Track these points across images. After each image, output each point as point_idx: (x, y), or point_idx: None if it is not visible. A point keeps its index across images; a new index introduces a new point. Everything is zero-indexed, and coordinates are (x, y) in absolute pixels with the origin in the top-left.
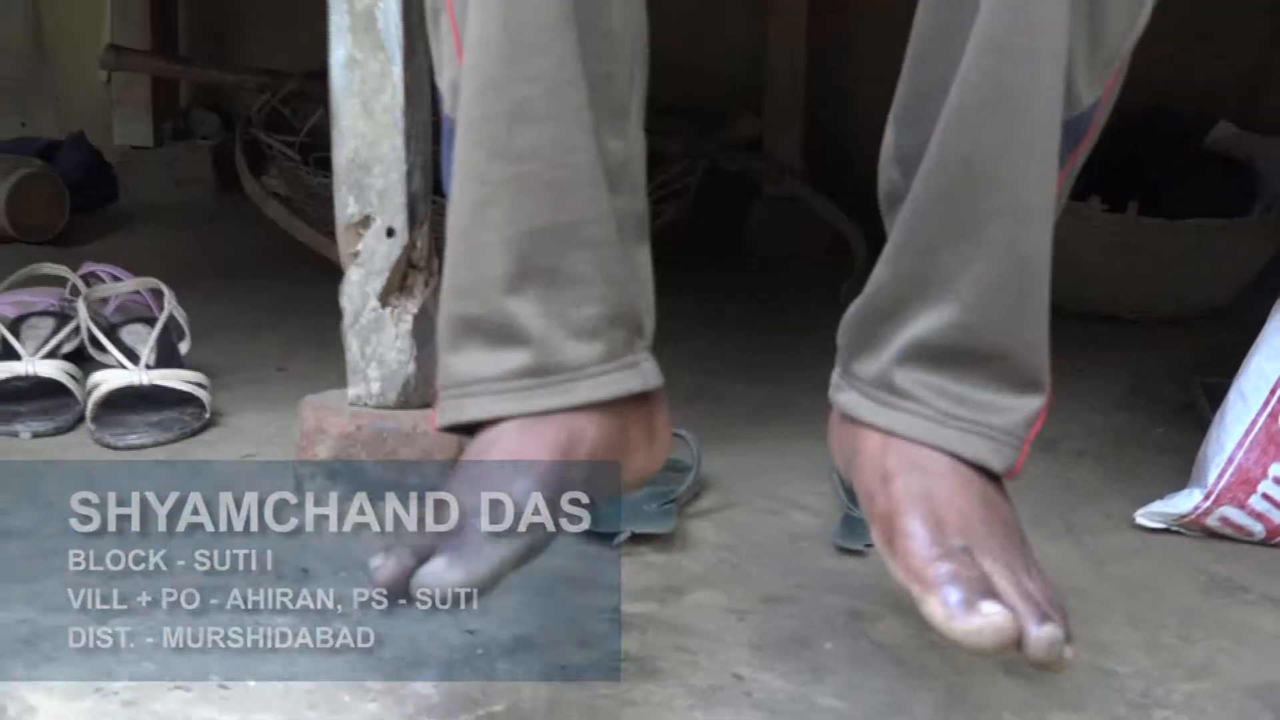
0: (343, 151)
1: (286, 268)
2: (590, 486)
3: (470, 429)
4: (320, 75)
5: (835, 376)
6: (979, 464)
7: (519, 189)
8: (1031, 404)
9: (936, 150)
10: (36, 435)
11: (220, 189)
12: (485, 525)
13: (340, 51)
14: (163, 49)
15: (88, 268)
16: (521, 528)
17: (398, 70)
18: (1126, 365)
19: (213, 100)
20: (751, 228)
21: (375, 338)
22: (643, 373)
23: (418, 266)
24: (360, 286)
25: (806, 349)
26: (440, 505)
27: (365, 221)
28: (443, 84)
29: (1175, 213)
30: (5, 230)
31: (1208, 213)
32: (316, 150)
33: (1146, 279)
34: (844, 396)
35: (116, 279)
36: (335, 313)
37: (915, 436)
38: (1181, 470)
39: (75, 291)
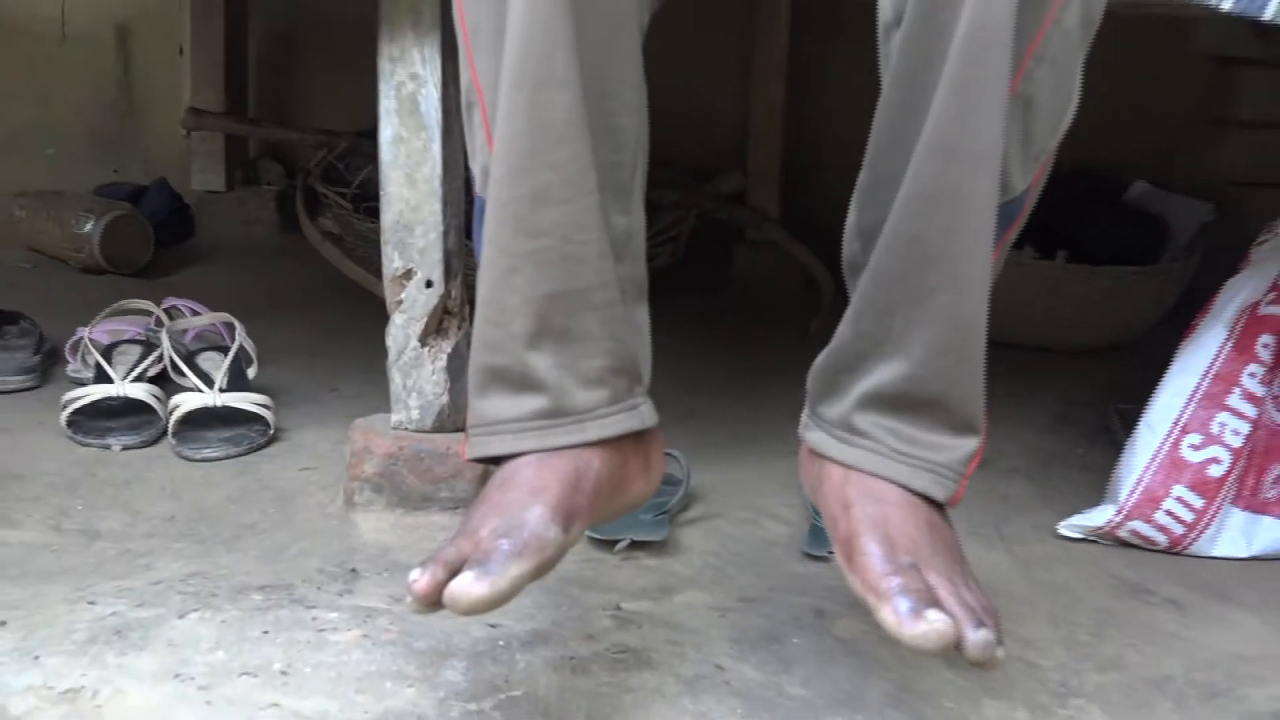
0: (389, 214)
1: (339, 299)
2: (593, 512)
3: (495, 460)
4: (369, 134)
5: (805, 416)
6: (925, 494)
7: (539, 261)
8: (969, 444)
9: (891, 231)
10: (126, 448)
11: (282, 229)
12: (506, 547)
13: (388, 130)
14: (234, 109)
15: (170, 302)
16: (536, 548)
17: (436, 147)
18: (1054, 392)
19: (277, 152)
20: (736, 268)
21: (415, 372)
22: (641, 414)
23: (452, 312)
24: (403, 329)
25: (781, 376)
26: (469, 527)
27: (408, 274)
28: (475, 167)
29: (1097, 260)
30: (99, 263)
31: (1125, 260)
32: (366, 200)
33: (1072, 316)
34: (812, 435)
35: (195, 313)
36: (381, 340)
37: (872, 470)
38: (1099, 486)
39: (159, 322)
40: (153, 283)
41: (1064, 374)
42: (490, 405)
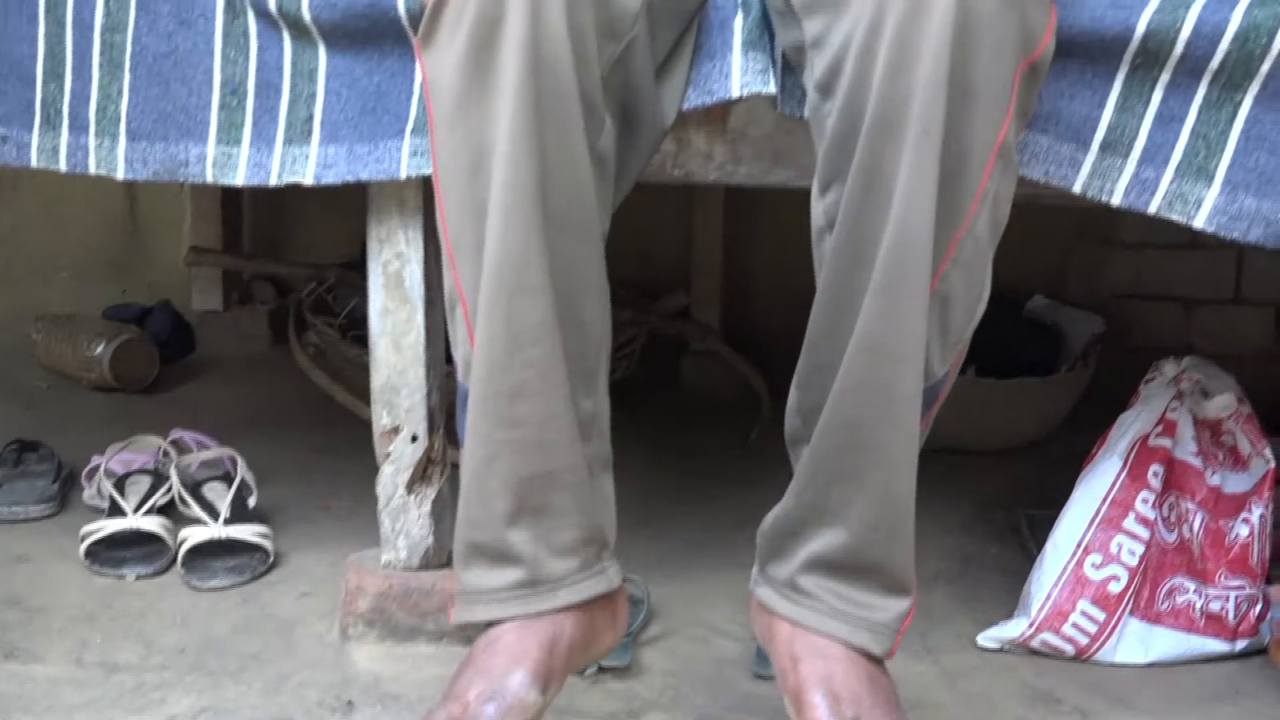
0: (378, 377)
1: (329, 415)
2: (568, 669)
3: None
4: (354, 265)
5: (755, 572)
6: (864, 650)
7: (516, 449)
8: (902, 604)
9: (827, 417)
10: (139, 577)
11: (275, 343)
12: (491, 711)
13: (377, 302)
14: (231, 241)
15: (176, 434)
16: (519, 711)
17: (420, 317)
18: (967, 493)
19: (270, 274)
20: (683, 377)
21: (403, 517)
22: (608, 577)
23: (435, 461)
24: (391, 479)
25: (726, 483)
26: (456, 690)
27: (395, 430)
28: (458, 357)
29: (1004, 369)
30: (109, 382)
31: (1027, 368)
32: (353, 328)
33: (982, 423)
34: (761, 590)
35: (201, 444)
36: (369, 455)
37: (816, 627)
38: (1012, 589)
39: (167, 453)
40: (158, 398)
41: (976, 475)
42: (474, 576)
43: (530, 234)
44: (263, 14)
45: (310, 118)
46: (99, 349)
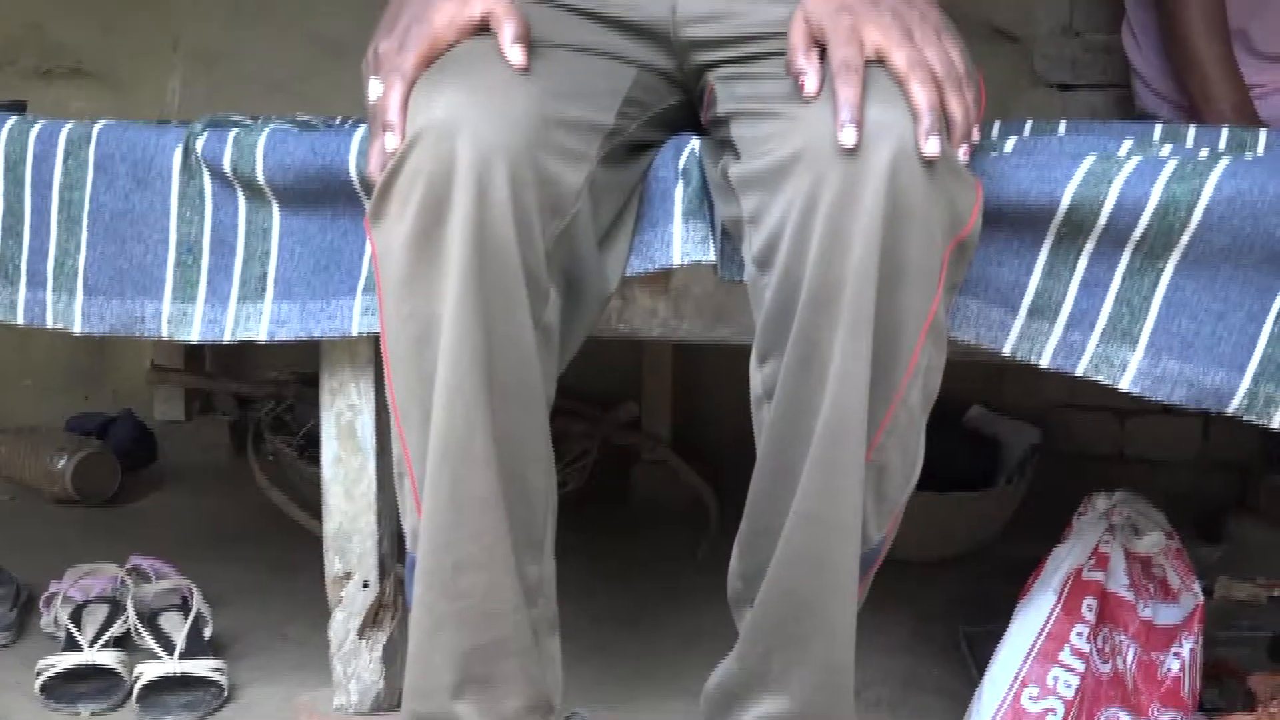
0: (331, 524)
1: (287, 530)
2: None
3: None
4: (311, 381)
5: None
6: None
7: (461, 620)
8: None
9: (768, 585)
10: (94, 714)
11: (236, 453)
12: None
13: (330, 451)
14: (192, 357)
15: (135, 561)
16: None
17: (372, 466)
18: (907, 605)
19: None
20: (634, 487)
21: (355, 661)
22: None
23: (386, 606)
24: (343, 624)
25: (674, 603)
26: None
27: (347, 576)
28: (406, 526)
29: (942, 483)
30: (71, 495)
31: (966, 480)
32: (310, 447)
33: (922, 532)
34: None
35: (160, 572)
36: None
37: None
38: (954, 711)
39: (124, 581)
40: (119, 511)
41: (914, 586)
42: None
43: (475, 409)
44: (218, 175)
45: (264, 275)
46: (61, 463)
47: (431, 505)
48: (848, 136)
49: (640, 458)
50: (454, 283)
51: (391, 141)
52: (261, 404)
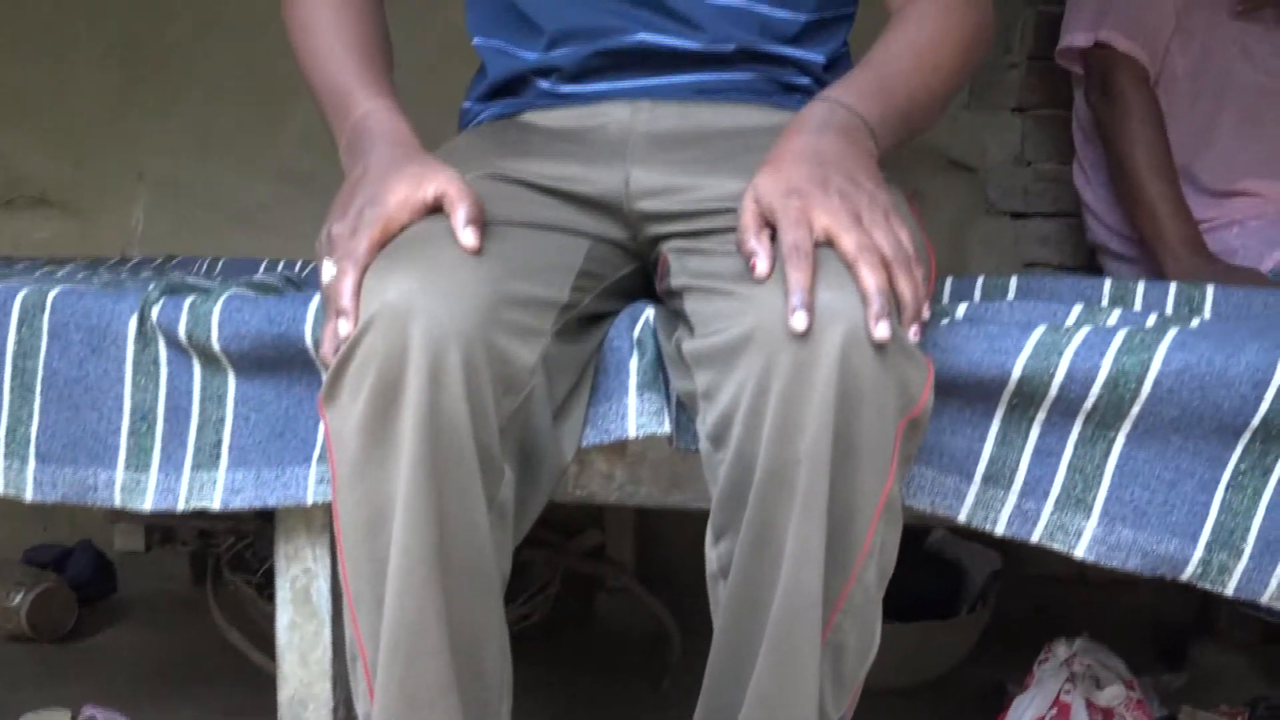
0: (285, 691)
1: (245, 669)
2: None
3: None
4: (270, 517)
5: None
6: None
7: None
8: None
9: None
10: None
11: (196, 584)
12: None
13: (285, 617)
14: None
15: (89, 711)
16: None
17: (327, 632)
18: None
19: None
20: (598, 614)
21: None
22: None
23: None
24: None
25: None
26: None
27: None
28: (359, 709)
29: (906, 611)
30: (25, 632)
31: (929, 605)
32: (270, 585)
33: (887, 661)
34: None
35: None
36: None
37: None
38: None
39: None
40: (76, 647)
41: (882, 718)
42: None
43: (428, 596)
44: (173, 343)
45: (219, 442)
46: (16, 599)
47: (384, 693)
48: (799, 321)
49: (604, 586)
50: (406, 468)
51: (345, 327)
52: (222, 538)
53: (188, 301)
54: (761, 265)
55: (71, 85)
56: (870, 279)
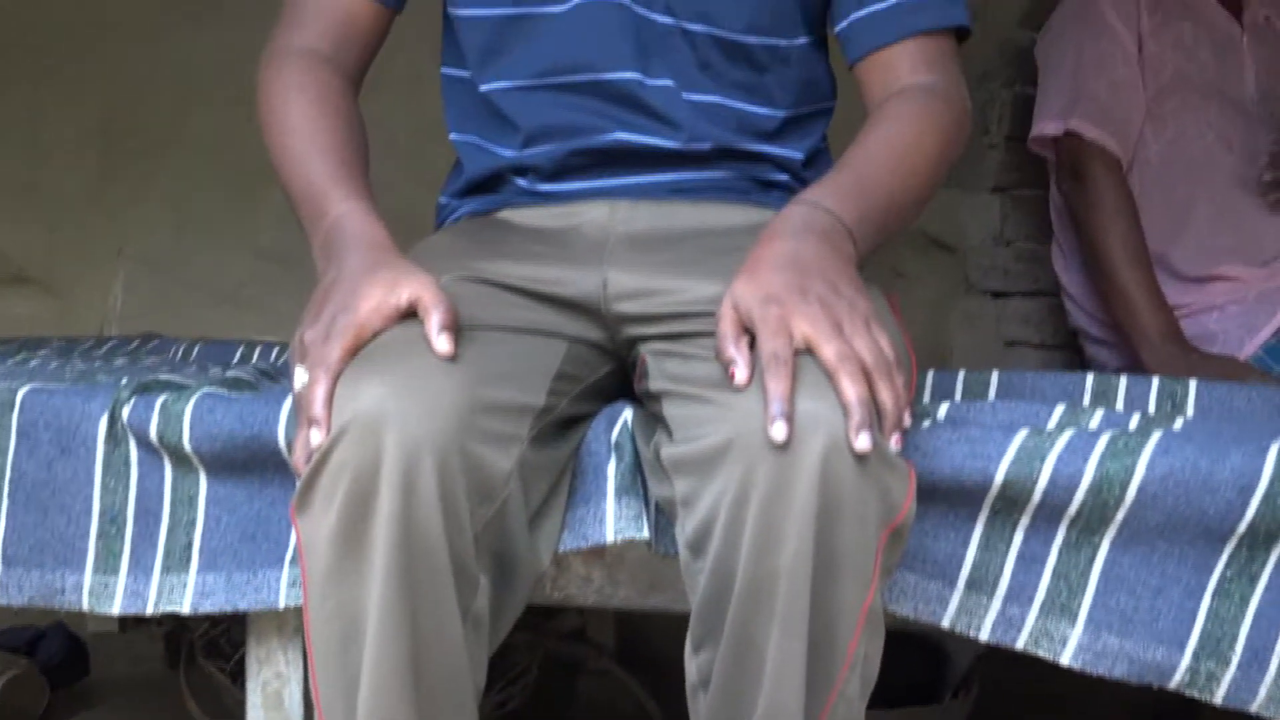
0: None
1: None
2: None
3: None
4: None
5: None
6: None
7: None
8: None
9: None
10: None
11: (170, 665)
12: None
13: None
14: None
15: None
16: None
17: None
18: None
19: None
20: (578, 697)
21: None
22: None
23: None
24: None
25: None
26: None
27: None
28: None
29: (889, 696)
30: None
31: (911, 690)
32: (244, 674)
33: None
34: None
35: None
36: None
37: None
38: None
39: None
40: None
41: None
42: None
43: (401, 712)
44: (144, 443)
45: (189, 544)
46: None
47: None
48: (778, 431)
49: (585, 669)
50: (379, 581)
51: (316, 437)
52: (196, 622)
53: (159, 401)
54: (740, 374)
55: (50, 163)
56: (851, 389)
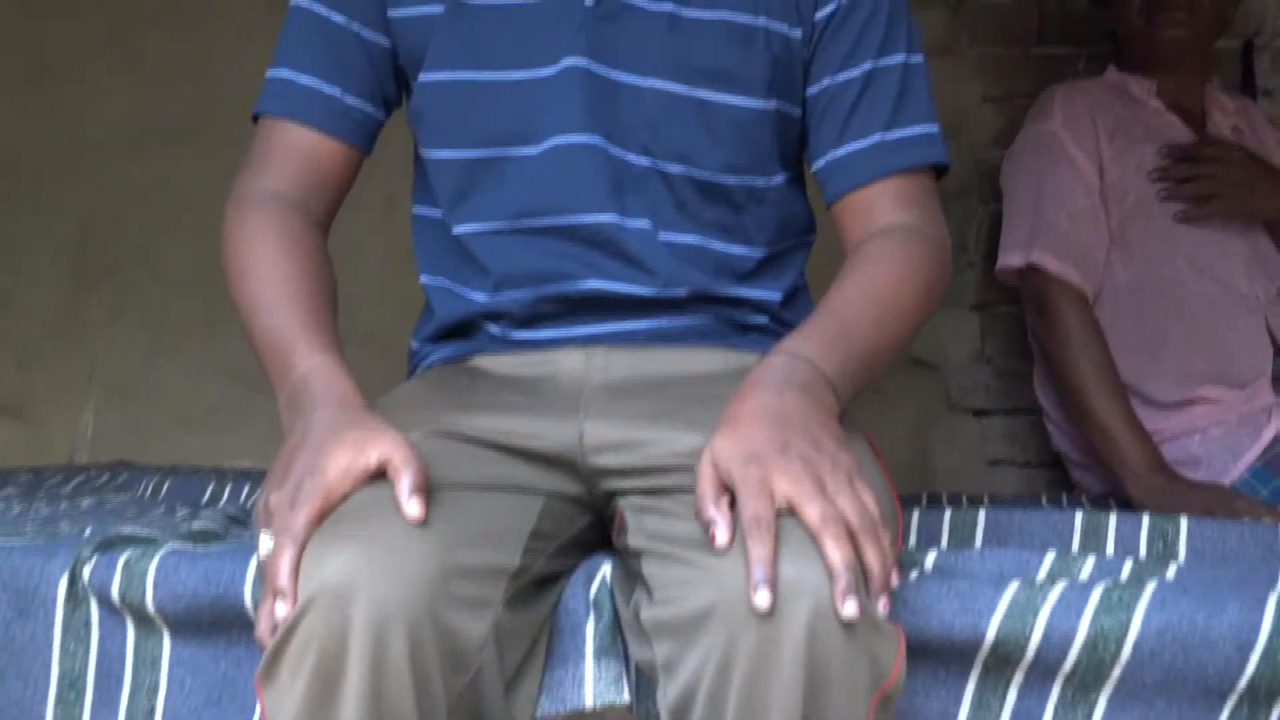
0: None
1: None
2: None
3: None
4: None
5: None
6: None
7: None
8: None
9: None
10: None
11: None
12: None
13: None
14: None
15: None
16: None
17: None
18: None
19: None
20: None
21: None
22: None
23: None
24: None
25: None
26: None
27: None
28: None
29: None
30: None
31: None
32: None
33: None
34: None
35: None
36: None
37: None
38: None
39: None
40: None
41: None
42: None
43: None
44: (105, 603)
45: (152, 710)
46: None
47: None
48: (762, 599)
49: None
50: None
51: (282, 609)
52: None
53: (122, 559)
54: (721, 536)
55: (22, 285)
56: (836, 553)
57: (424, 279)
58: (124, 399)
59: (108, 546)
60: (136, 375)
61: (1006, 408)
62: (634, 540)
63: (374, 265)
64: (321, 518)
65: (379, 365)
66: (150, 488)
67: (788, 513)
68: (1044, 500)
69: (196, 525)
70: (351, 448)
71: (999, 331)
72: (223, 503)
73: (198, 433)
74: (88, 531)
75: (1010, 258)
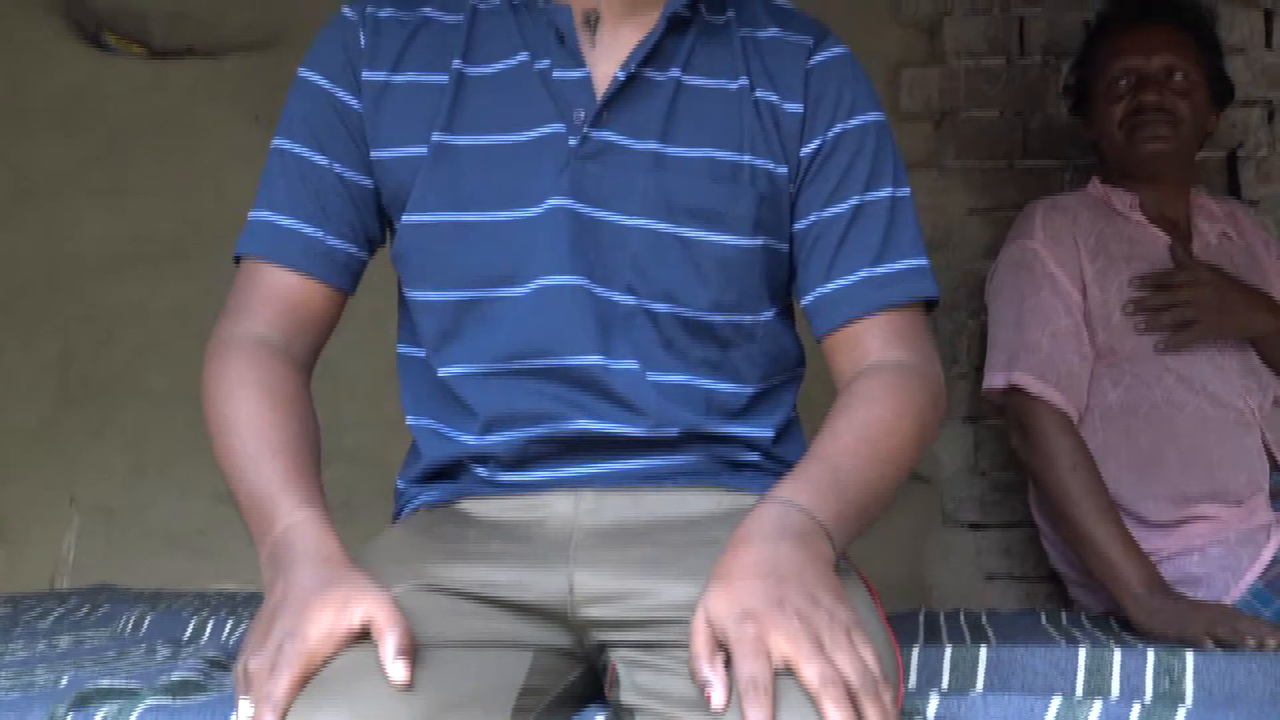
0: None
1: None
2: None
3: None
4: None
5: None
6: None
7: None
8: None
9: None
10: None
11: None
12: None
13: None
14: None
15: None
16: None
17: None
18: None
19: None
20: None
21: None
22: None
23: None
24: None
25: None
26: None
27: None
28: None
29: None
30: None
31: None
32: None
33: None
34: None
35: None
36: None
37: None
38: None
39: None
40: None
41: None
42: None
43: None
44: None
45: None
46: None
47: None
48: None
49: None
50: None
51: None
52: None
53: (99, 717)
54: (717, 698)
55: (3, 406)
56: (837, 716)
57: (410, 420)
58: (106, 520)
59: (84, 702)
60: (119, 496)
61: (1002, 521)
62: (626, 697)
63: (360, 383)
64: (303, 683)
65: (364, 485)
66: (131, 623)
67: (786, 672)
68: (1043, 618)
69: (176, 676)
70: (334, 608)
71: (992, 443)
72: (204, 639)
73: (181, 554)
74: (64, 681)
75: (993, 379)
